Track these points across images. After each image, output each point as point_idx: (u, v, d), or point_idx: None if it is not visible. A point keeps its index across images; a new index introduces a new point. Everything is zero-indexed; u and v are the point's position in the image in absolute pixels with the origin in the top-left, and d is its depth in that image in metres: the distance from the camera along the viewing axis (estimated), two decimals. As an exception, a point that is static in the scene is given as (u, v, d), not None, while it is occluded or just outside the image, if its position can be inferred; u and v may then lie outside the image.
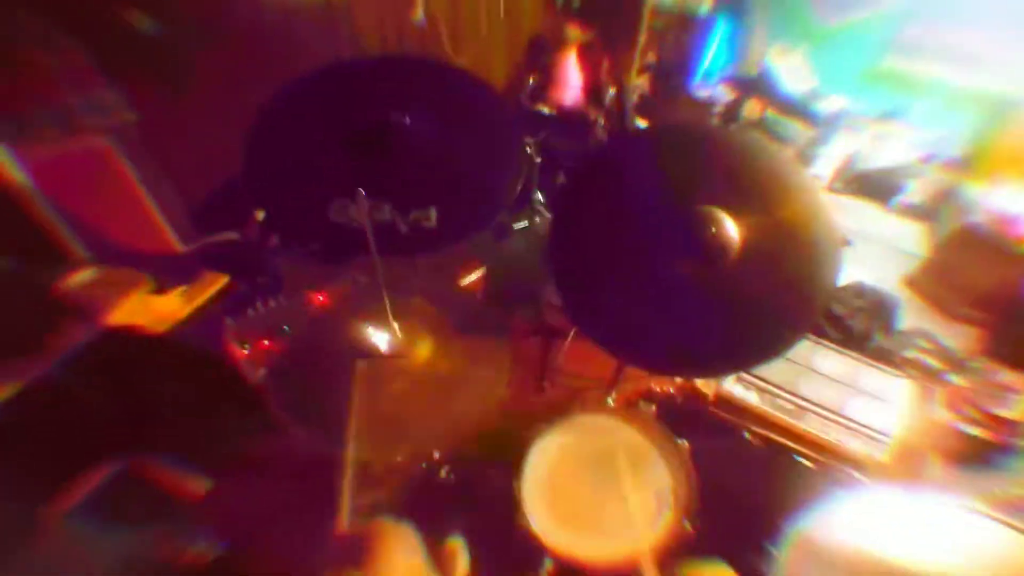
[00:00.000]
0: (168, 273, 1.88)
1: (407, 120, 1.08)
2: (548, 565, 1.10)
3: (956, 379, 1.82)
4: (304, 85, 1.19)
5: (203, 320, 1.82)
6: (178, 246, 2.03)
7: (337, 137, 1.09)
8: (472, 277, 2.21)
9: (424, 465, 1.41)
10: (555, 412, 1.27)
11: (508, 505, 1.12)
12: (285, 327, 1.61)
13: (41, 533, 1.33)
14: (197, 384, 1.67)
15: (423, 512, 1.26)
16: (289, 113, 1.19)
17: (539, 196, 2.37)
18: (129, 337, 1.68)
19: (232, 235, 2.09)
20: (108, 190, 1.80)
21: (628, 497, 1.12)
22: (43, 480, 1.41)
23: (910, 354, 1.94)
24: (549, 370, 1.83)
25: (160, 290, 1.81)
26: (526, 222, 2.41)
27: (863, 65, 2.86)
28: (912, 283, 2.45)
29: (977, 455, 1.62)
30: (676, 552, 1.05)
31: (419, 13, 2.14)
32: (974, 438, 1.65)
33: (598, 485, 1.15)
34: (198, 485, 1.52)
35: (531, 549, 1.07)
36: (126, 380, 1.60)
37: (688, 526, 1.06)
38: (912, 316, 2.22)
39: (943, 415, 1.69)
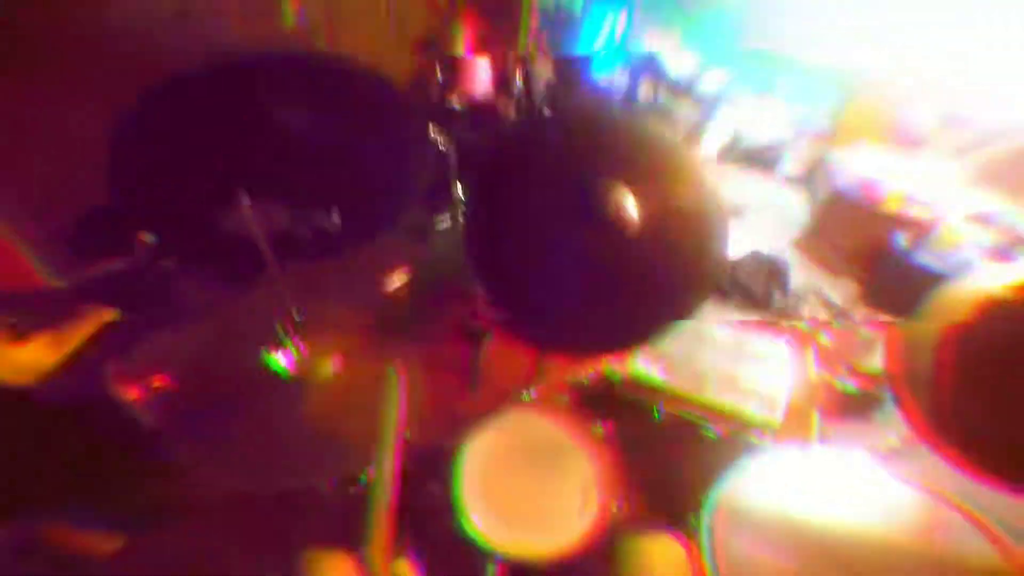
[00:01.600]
0: (31, 314, 1.63)
1: (293, 117, 1.01)
2: (492, 567, 1.10)
3: (824, 338, 1.98)
4: (173, 87, 1.06)
5: (79, 366, 1.57)
6: (48, 280, 1.80)
7: (217, 140, 0.99)
8: (398, 282, 2.13)
9: (352, 489, 1.34)
10: (485, 415, 1.26)
11: (450, 515, 1.11)
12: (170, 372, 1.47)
13: None
14: (78, 440, 1.48)
15: (365, 538, 1.21)
16: (159, 118, 1.06)
17: (460, 193, 2.33)
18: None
19: (118, 263, 1.86)
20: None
21: (558, 489, 1.14)
22: None
23: (804, 309, 2.13)
24: (477, 373, 1.82)
25: (19, 337, 1.56)
26: (448, 221, 2.37)
27: (729, 47, 3.13)
28: (799, 246, 2.69)
29: (854, 408, 1.76)
30: (612, 533, 1.08)
31: (290, 17, 2.00)
32: (848, 392, 1.79)
33: (530, 481, 1.15)
34: (108, 543, 1.37)
35: (477, 553, 1.06)
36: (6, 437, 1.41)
37: (615, 508, 1.10)
38: (803, 275, 2.44)
39: (821, 373, 1.83)
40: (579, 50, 2.83)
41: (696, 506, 1.03)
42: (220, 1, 1.81)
